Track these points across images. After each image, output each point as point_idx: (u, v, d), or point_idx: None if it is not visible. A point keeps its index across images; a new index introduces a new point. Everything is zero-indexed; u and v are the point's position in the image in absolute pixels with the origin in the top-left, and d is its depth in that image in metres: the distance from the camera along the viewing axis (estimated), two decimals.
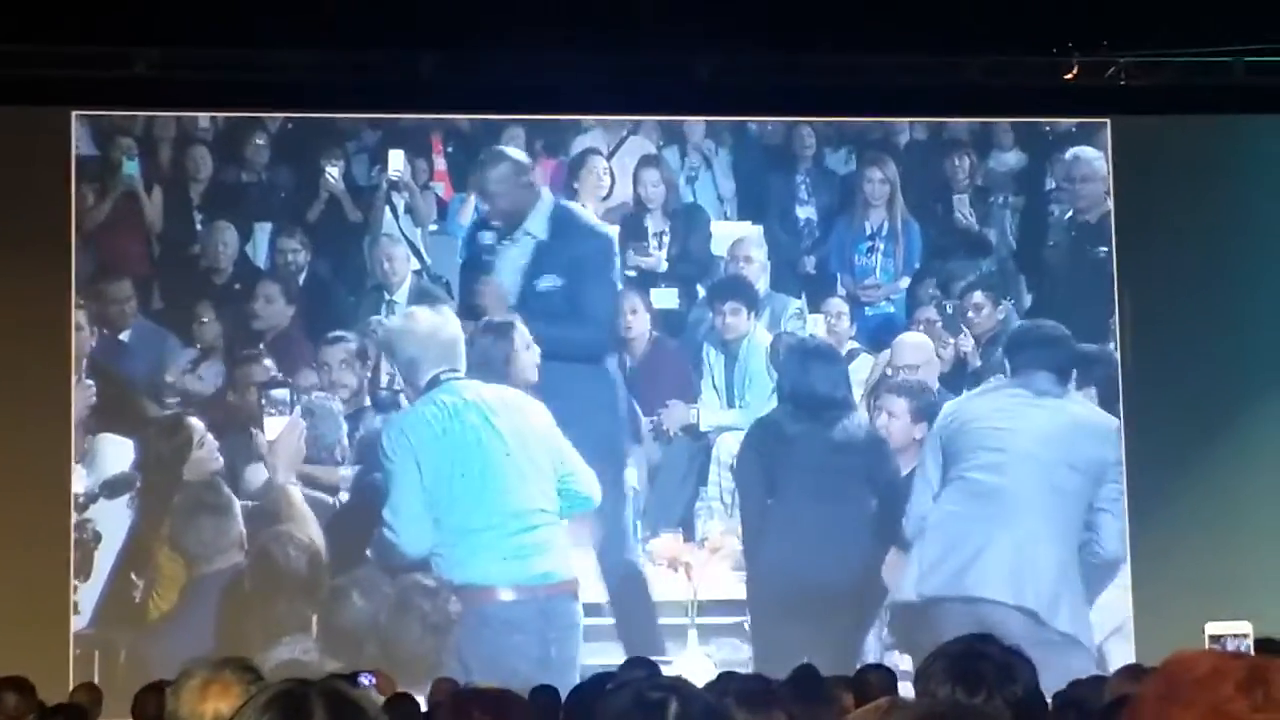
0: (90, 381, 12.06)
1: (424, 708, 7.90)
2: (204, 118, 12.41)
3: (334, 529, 12.01)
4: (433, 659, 11.43)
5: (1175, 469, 12.44)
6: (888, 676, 7.54)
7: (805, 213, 12.82)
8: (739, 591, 12.30)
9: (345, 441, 12.20)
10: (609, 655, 10.92)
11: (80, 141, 12.26)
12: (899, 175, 12.78)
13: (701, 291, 12.65)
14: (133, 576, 11.88)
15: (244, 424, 12.13)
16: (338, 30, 11.54)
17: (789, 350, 12.53)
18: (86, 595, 11.83)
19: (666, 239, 12.67)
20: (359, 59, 12.15)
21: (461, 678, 9.55)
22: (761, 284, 12.66)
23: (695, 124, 12.71)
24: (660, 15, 11.41)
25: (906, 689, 6.87)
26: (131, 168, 12.32)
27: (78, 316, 12.07)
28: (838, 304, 12.72)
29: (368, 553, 11.85)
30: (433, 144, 12.60)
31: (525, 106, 12.42)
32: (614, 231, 12.56)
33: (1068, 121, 12.93)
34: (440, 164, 12.59)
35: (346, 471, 12.14)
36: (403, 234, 12.50)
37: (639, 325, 12.50)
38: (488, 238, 12.46)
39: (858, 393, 12.50)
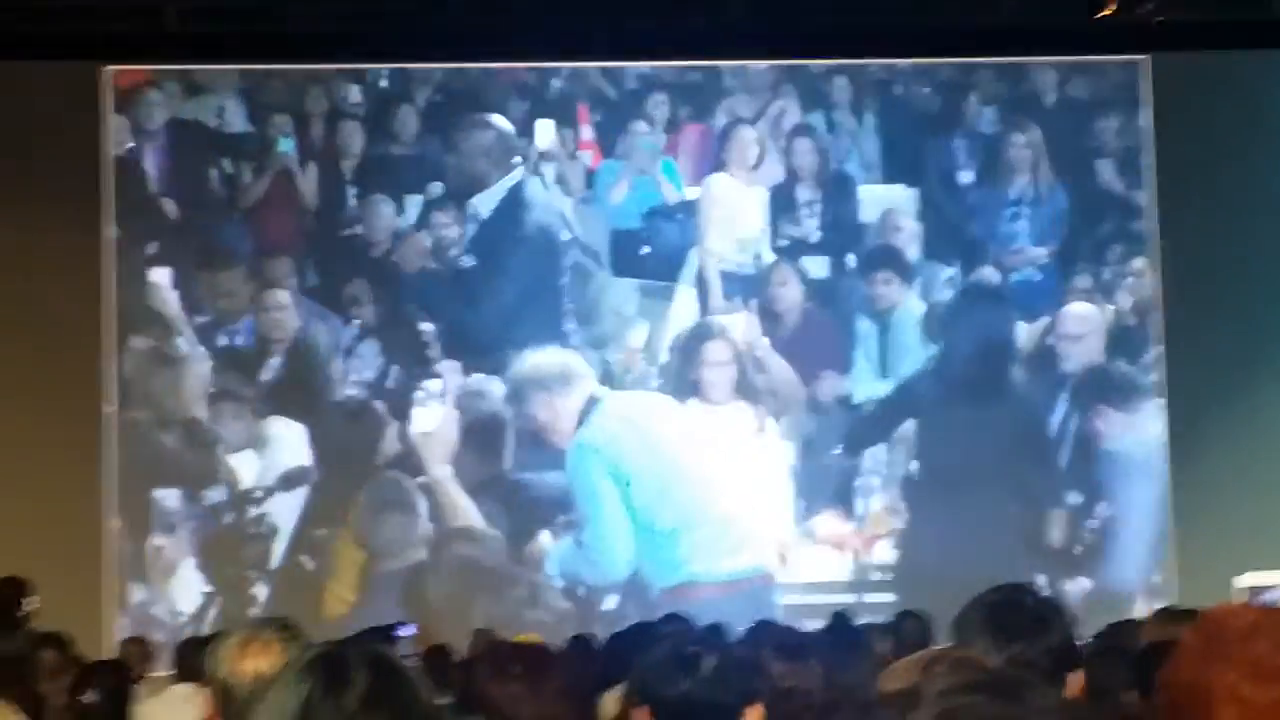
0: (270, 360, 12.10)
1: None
2: (354, 90, 12.39)
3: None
4: None
5: (1217, 417, 12.36)
6: (922, 624, 7.55)
7: (958, 177, 12.71)
8: (897, 570, 12.22)
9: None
10: None
11: (234, 118, 12.28)
12: (1043, 139, 12.66)
13: (853, 261, 12.54)
14: (308, 567, 11.88)
15: (403, 410, 12.07)
16: None
17: (950, 311, 12.47)
18: (261, 587, 11.86)
19: (818, 208, 12.57)
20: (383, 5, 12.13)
21: None
22: (913, 251, 12.54)
23: (841, 88, 12.60)
24: None
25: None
26: (287, 145, 12.33)
27: (230, 287, 12.12)
28: (989, 271, 12.61)
29: (547, 569, 11.82)
30: (579, 113, 12.55)
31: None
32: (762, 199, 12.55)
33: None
34: (587, 133, 12.55)
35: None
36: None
37: (790, 297, 12.40)
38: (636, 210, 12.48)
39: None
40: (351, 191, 12.34)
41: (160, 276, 12.06)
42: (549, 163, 12.39)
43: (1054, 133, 12.69)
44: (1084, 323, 12.48)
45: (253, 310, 12.17)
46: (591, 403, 11.76)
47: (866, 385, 12.38)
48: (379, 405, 12.01)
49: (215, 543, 11.81)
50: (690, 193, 12.47)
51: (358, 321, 12.17)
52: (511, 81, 12.52)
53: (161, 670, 8.79)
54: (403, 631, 8.08)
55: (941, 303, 12.47)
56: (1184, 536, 12.23)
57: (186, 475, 11.89)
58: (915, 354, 12.41)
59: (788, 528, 12.09)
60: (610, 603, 11.65)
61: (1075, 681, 3.57)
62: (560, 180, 12.39)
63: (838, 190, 12.59)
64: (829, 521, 12.13)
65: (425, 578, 11.71)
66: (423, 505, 11.84)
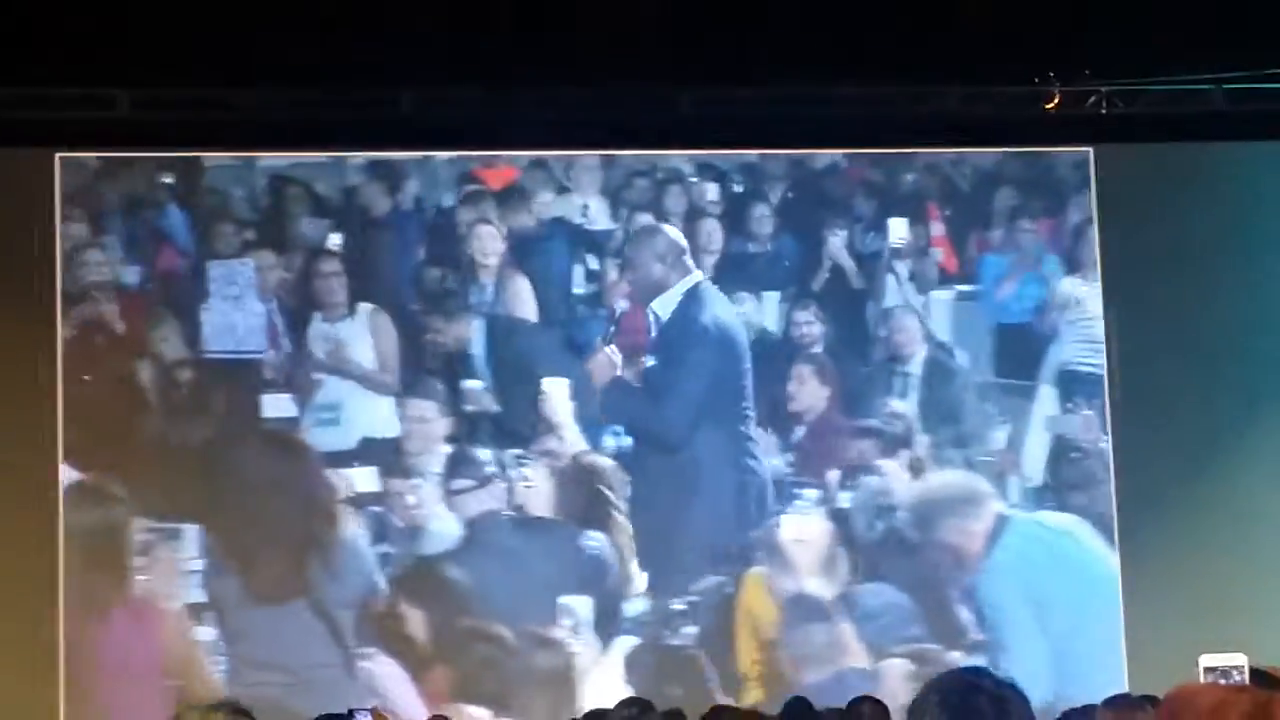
0: None
1: None
2: (711, 189, 12.55)
3: None
4: None
5: (1166, 498, 12.44)
6: (880, 709, 7.54)
7: None
8: None
9: None
10: None
11: (598, 215, 12.41)
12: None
13: None
14: None
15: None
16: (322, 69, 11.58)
17: None
18: None
19: None
20: (338, 96, 12.17)
21: None
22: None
23: None
24: (648, 50, 11.47)
25: None
26: None
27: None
28: None
29: None
30: (929, 210, 12.69)
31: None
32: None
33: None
34: (938, 229, 12.69)
35: None
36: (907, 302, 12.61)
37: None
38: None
39: None
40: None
41: None
42: (902, 260, 12.60)
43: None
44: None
45: None
46: (1001, 522, 11.90)
47: None
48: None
49: None
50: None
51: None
52: (860, 178, 12.71)
53: None
54: (359, 718, 8.02)
55: None
56: (1132, 621, 12.27)
57: None
58: None
59: None
60: None
61: None
62: (914, 276, 12.58)
63: None
64: None
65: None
66: None
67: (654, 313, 12.27)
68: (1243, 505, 12.54)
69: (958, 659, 11.54)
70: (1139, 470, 12.44)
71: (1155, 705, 2.67)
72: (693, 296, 12.34)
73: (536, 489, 12.14)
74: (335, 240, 12.32)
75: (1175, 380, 12.56)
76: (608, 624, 12.05)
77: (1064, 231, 12.88)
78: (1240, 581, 12.37)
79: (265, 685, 11.47)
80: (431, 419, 12.27)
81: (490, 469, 12.18)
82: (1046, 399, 12.68)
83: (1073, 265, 12.82)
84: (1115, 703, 6.48)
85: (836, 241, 12.62)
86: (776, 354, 12.50)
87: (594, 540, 12.08)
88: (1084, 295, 12.74)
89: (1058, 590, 12.21)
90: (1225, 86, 12.61)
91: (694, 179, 12.64)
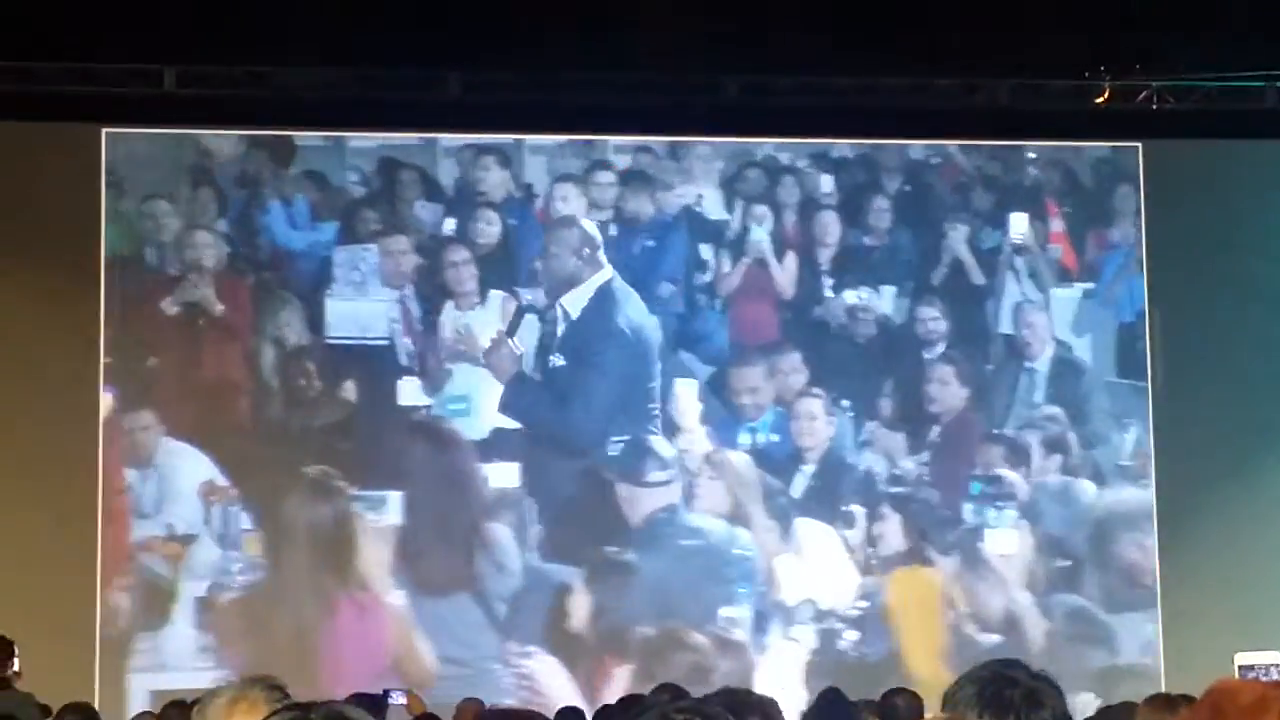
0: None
1: None
2: (826, 180, 12.54)
3: None
4: None
5: (1206, 498, 12.38)
6: (914, 701, 7.50)
7: None
8: None
9: None
10: None
11: (712, 206, 12.41)
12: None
13: None
14: None
15: None
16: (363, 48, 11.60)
17: None
18: None
19: None
20: (387, 76, 12.18)
21: None
22: None
23: None
24: (681, 38, 11.46)
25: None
26: (761, 233, 12.42)
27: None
28: None
29: None
30: (1048, 207, 12.69)
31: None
32: None
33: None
34: (1057, 226, 12.70)
35: None
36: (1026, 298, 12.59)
37: None
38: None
39: None
40: (827, 282, 12.48)
41: None
42: (1022, 255, 12.61)
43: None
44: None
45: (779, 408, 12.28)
46: None
47: None
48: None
49: None
50: None
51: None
52: (979, 174, 12.69)
53: None
54: (393, 699, 8.04)
55: None
56: (1170, 617, 12.23)
57: None
58: None
59: None
60: None
61: None
62: (1033, 274, 12.58)
63: None
64: None
65: None
66: None
67: (562, 308, 12.12)
68: None
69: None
70: (1180, 468, 12.38)
71: (1192, 705, 2.64)
72: (604, 294, 12.17)
73: (671, 486, 12.10)
74: (450, 225, 12.26)
75: (1219, 377, 12.50)
76: (767, 622, 12.03)
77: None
78: (1277, 582, 12.32)
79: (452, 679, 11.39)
80: None
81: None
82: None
83: None
84: (1154, 701, 6.44)
85: (957, 236, 12.58)
86: (903, 350, 12.45)
87: (742, 537, 12.06)
88: None
89: None
90: (1277, 84, 12.53)
91: (808, 170, 12.59)
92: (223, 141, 12.17)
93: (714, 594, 12.02)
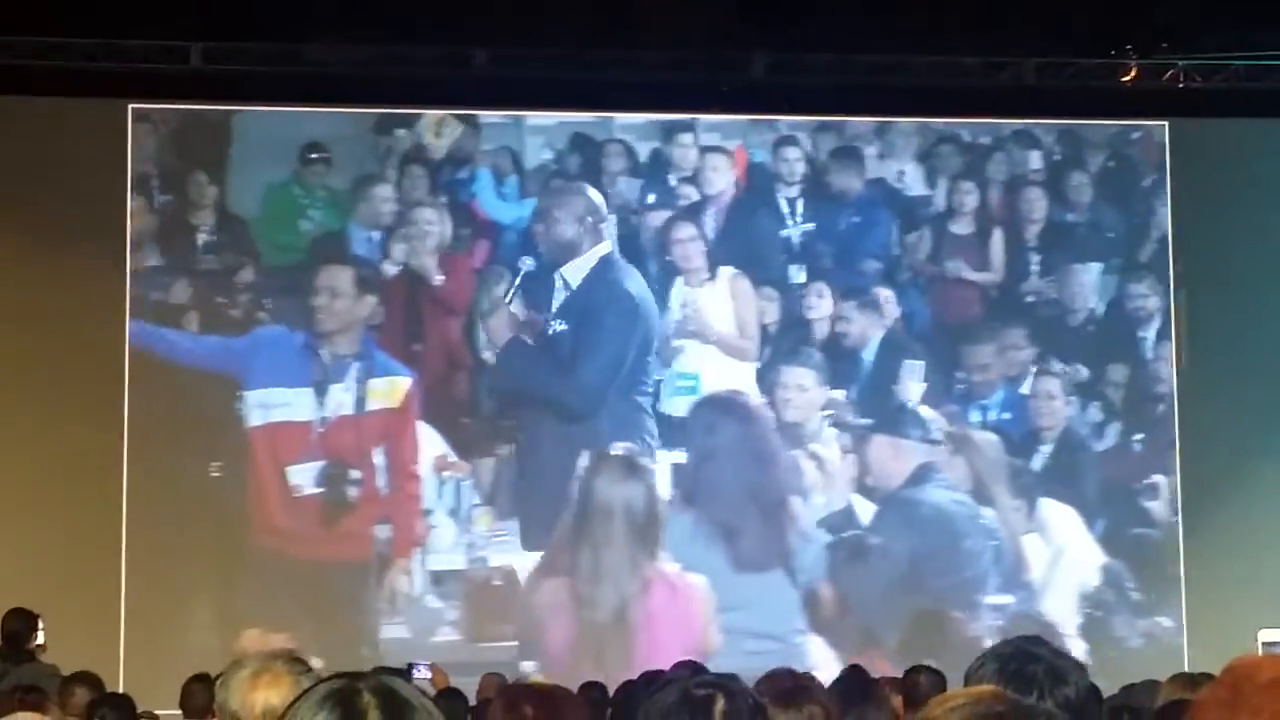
0: None
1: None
2: (1034, 156, 12.59)
3: None
4: None
5: (1229, 475, 12.36)
6: (937, 678, 7.51)
7: None
8: None
9: None
10: None
11: (914, 181, 12.45)
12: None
13: None
14: None
15: None
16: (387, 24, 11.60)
17: None
18: None
19: None
20: (412, 51, 12.18)
21: None
22: None
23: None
24: (714, 15, 11.44)
25: None
26: (966, 209, 12.50)
27: None
28: None
29: None
30: None
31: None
32: None
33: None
34: None
35: None
36: None
37: None
38: None
39: None
40: (1035, 259, 12.50)
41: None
42: None
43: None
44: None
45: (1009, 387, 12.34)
46: None
47: None
48: None
49: None
50: None
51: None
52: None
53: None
54: (418, 672, 8.06)
55: None
56: (1193, 593, 12.23)
57: None
58: None
59: None
60: None
61: None
62: None
63: None
64: None
65: None
66: None
67: (562, 278, 12.07)
68: None
69: None
70: (1205, 447, 12.36)
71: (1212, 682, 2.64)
72: (606, 264, 12.13)
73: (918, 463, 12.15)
74: (650, 198, 12.27)
75: (1245, 357, 12.47)
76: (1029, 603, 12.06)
77: None
78: None
79: (760, 655, 11.17)
80: (810, 388, 12.27)
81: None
82: None
83: None
84: (1177, 680, 6.44)
85: (1165, 213, 12.57)
86: (1116, 327, 12.47)
87: (986, 516, 12.11)
88: None
89: None
90: None
91: (1015, 147, 12.60)
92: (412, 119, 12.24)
93: (966, 572, 12.05)
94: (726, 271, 12.24)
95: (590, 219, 12.16)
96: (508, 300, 12.02)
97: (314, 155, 12.12)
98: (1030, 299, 12.49)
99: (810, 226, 12.38)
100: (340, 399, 11.88)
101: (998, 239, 12.49)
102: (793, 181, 12.42)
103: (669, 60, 12.16)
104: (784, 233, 12.37)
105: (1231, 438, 12.40)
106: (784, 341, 12.26)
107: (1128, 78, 12.54)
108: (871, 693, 6.56)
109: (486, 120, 12.32)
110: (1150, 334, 12.54)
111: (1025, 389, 12.34)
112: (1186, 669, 10.30)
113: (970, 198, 12.49)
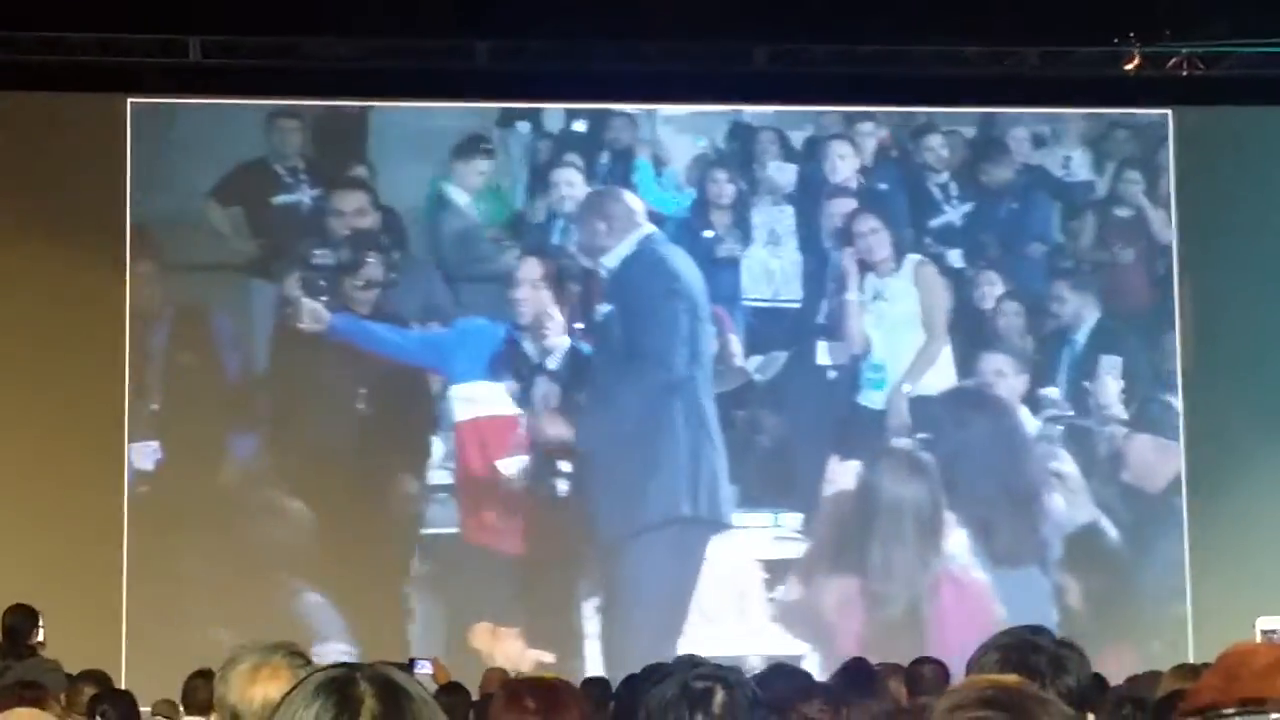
0: None
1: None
2: None
3: None
4: None
5: (1234, 466, 12.34)
6: (940, 669, 7.51)
7: None
8: None
9: None
10: None
11: (1081, 167, 12.43)
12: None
13: None
14: None
15: None
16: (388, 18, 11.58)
17: None
18: None
19: None
20: (404, 44, 12.15)
21: None
22: None
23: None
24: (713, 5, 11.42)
25: None
26: (1136, 195, 12.50)
27: None
28: None
29: None
30: None
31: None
32: None
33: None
34: None
35: None
36: None
37: None
38: None
39: None
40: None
41: None
42: None
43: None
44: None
45: None
46: None
47: None
48: None
49: None
50: None
51: None
52: None
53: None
54: (419, 668, 8.05)
55: None
56: (1200, 578, 12.21)
57: None
58: None
59: None
60: None
61: None
62: None
63: None
64: None
65: None
66: None
67: (604, 267, 12.03)
68: None
69: None
70: (1209, 435, 12.34)
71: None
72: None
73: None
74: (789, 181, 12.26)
75: (1250, 346, 12.44)
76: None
77: None
78: None
79: None
80: (1009, 374, 12.24)
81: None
82: None
83: None
84: (1179, 670, 6.44)
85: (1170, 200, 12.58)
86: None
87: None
88: None
89: None
90: None
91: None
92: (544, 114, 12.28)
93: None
94: (912, 259, 12.23)
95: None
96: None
97: (473, 149, 12.11)
98: None
99: (968, 208, 12.36)
100: (547, 390, 11.88)
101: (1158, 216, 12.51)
102: (941, 169, 12.41)
103: (670, 51, 12.14)
104: (939, 219, 12.34)
105: (1237, 422, 12.36)
106: (973, 328, 12.26)
107: (1131, 66, 12.50)
108: (874, 685, 6.58)
109: (618, 111, 12.33)
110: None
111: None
112: (1191, 659, 10.36)
113: (1138, 185, 12.53)
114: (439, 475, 11.78)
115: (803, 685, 4.57)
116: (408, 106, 12.33)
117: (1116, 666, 9.50)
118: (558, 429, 11.81)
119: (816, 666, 10.59)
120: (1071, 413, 12.19)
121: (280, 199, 11.99)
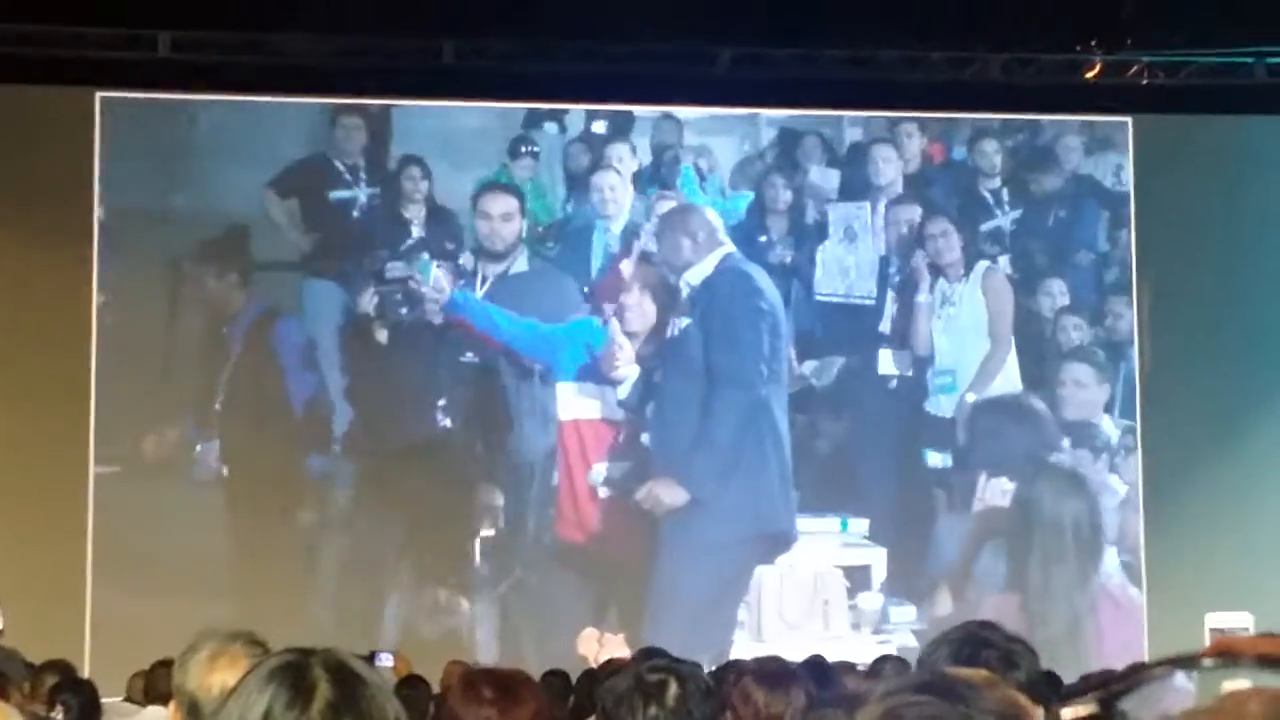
0: None
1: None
2: None
3: None
4: None
5: (1189, 466, 12.42)
6: (902, 666, 7.55)
7: None
8: None
9: None
10: None
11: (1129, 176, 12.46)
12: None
13: None
14: None
15: None
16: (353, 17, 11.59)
17: None
18: None
19: None
20: (368, 43, 12.16)
21: None
22: None
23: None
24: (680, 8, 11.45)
25: None
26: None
27: None
28: None
29: None
30: None
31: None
32: None
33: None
34: None
35: None
36: None
37: None
38: None
39: None
40: None
41: None
42: None
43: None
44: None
45: None
46: None
47: None
48: None
49: None
50: None
51: None
52: None
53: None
54: (381, 661, 8.06)
55: None
56: (1154, 571, 12.31)
57: None
58: None
59: None
60: None
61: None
62: None
63: None
64: None
65: None
66: None
67: (688, 284, 12.02)
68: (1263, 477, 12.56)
69: None
70: (1167, 440, 12.42)
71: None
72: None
73: None
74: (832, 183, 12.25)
75: (1208, 352, 12.53)
76: None
77: None
78: (1253, 548, 12.38)
79: None
80: (1088, 384, 12.25)
81: None
82: None
83: None
84: (1135, 668, 6.47)
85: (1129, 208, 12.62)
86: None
87: None
88: None
89: None
90: (1267, 60, 12.54)
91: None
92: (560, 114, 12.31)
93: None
94: (981, 265, 12.25)
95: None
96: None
97: (523, 149, 12.17)
98: None
99: (1017, 214, 12.39)
100: (633, 395, 11.90)
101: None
102: (993, 174, 12.46)
103: (638, 52, 12.16)
104: (990, 224, 12.38)
105: (1195, 426, 12.44)
106: (1042, 338, 12.29)
107: (1092, 73, 12.58)
108: (831, 682, 6.61)
109: (642, 114, 12.38)
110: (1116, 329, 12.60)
111: None
112: (1145, 655, 10.45)
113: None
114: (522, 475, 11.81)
115: (777, 673, 4.59)
116: (543, 108, 12.35)
117: None
118: (642, 438, 11.86)
119: None
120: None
121: (337, 194, 12.10)
